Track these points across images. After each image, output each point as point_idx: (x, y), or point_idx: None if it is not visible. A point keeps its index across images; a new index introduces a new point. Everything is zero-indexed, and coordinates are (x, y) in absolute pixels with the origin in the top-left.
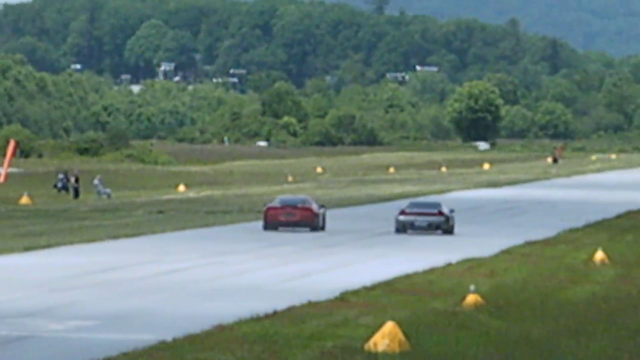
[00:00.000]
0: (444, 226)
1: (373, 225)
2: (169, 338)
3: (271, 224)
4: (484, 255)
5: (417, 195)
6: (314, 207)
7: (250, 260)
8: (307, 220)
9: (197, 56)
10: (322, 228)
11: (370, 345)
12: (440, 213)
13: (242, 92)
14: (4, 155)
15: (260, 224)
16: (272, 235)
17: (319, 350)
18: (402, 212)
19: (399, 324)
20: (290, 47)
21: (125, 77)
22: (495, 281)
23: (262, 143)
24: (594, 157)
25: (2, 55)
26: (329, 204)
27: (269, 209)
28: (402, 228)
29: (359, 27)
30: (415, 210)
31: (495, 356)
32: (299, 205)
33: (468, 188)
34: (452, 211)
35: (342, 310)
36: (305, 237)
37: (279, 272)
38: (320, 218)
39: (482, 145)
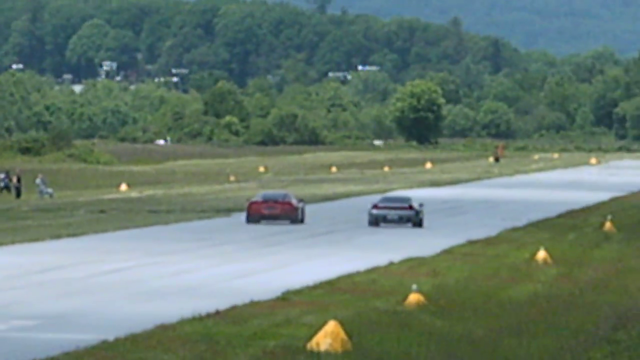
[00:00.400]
0: (414, 219)
1: (315, 225)
2: (111, 338)
3: (254, 217)
4: (426, 255)
5: (359, 194)
6: (294, 201)
7: (192, 260)
8: (288, 213)
9: (139, 55)
10: (302, 221)
11: (312, 344)
12: (411, 207)
13: (184, 91)
14: None
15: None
16: (215, 234)
17: (262, 349)
18: (375, 206)
19: (342, 323)
20: (233, 46)
21: (67, 76)
22: (438, 280)
23: (161, 142)
24: (536, 157)
25: None
26: None
27: (252, 203)
28: (374, 221)
29: (301, 27)
30: (387, 204)
31: (437, 355)
32: (280, 200)
33: (410, 187)
34: (421, 205)
35: (284, 309)
36: (247, 236)
37: (222, 272)
38: (300, 212)
39: (377, 142)
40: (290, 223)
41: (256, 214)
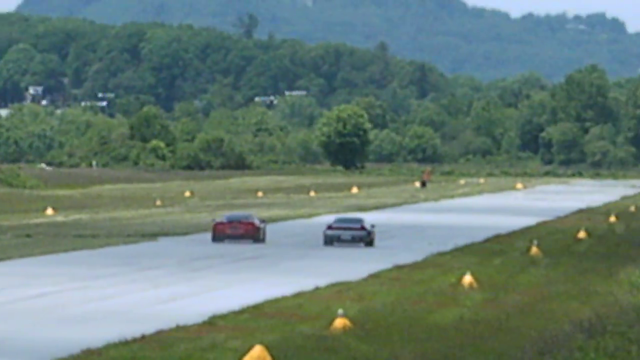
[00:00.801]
0: (366, 239)
1: (241, 249)
2: None
3: (218, 237)
4: (352, 279)
5: (286, 219)
6: (256, 222)
7: (118, 285)
8: (250, 233)
9: (65, 80)
10: (263, 240)
11: None
12: (363, 228)
13: (111, 115)
14: None
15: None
16: (141, 259)
17: None
18: (329, 227)
19: (268, 347)
20: (159, 70)
21: None
22: (364, 305)
23: (45, 166)
24: (462, 181)
25: None
26: (198, 228)
27: (217, 224)
28: (329, 241)
29: (228, 51)
30: (341, 225)
31: None
32: (243, 221)
33: (336, 212)
34: (372, 226)
35: (210, 334)
36: (173, 261)
37: (147, 296)
38: (262, 231)
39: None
40: (253, 242)
41: (221, 234)
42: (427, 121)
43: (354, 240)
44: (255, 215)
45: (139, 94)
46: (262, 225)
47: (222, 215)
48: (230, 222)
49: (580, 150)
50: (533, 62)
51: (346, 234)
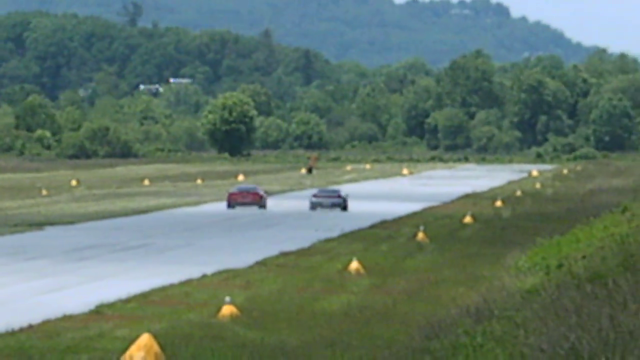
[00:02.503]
0: (342, 205)
1: (128, 238)
2: None
3: (232, 204)
4: (239, 267)
5: (172, 207)
6: (260, 192)
7: (4, 275)
8: (256, 200)
9: None
10: (265, 207)
11: (126, 357)
12: (339, 196)
13: None
14: None
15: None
16: (27, 249)
17: None
18: (315, 196)
19: (155, 336)
20: (44, 60)
21: None
22: (251, 292)
23: None
24: (348, 168)
25: None
26: (84, 217)
27: (231, 194)
28: (314, 207)
29: (112, 40)
30: (323, 194)
31: None
32: (251, 191)
33: (223, 200)
34: (346, 195)
35: (97, 323)
36: (59, 250)
37: (34, 286)
38: (264, 200)
39: None
40: (258, 208)
41: (234, 202)
42: (313, 108)
43: (333, 206)
44: (259, 187)
45: (24, 83)
46: (265, 195)
47: (234, 187)
48: (241, 192)
49: (466, 135)
50: (418, 47)
51: (327, 201)
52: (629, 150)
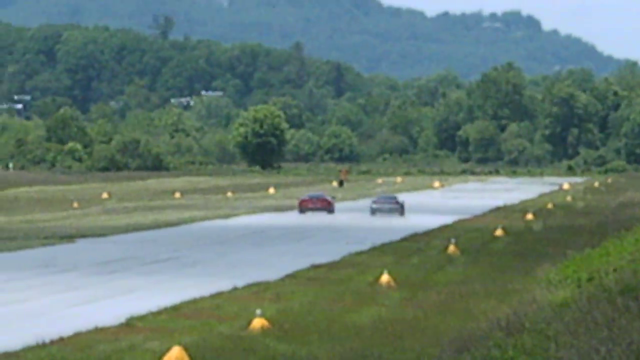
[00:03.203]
0: (399, 210)
1: (159, 251)
2: None
3: (303, 210)
4: (270, 280)
5: (203, 220)
6: (329, 198)
7: (35, 287)
8: (325, 206)
9: None
10: (333, 212)
11: None
12: (397, 202)
13: (27, 118)
14: None
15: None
16: (58, 261)
17: None
18: (374, 202)
19: (186, 348)
20: (75, 72)
21: None
22: (282, 305)
23: None
24: (379, 180)
25: None
26: (115, 230)
27: (302, 200)
28: (373, 212)
29: (144, 52)
30: (382, 201)
31: None
32: (320, 198)
33: (253, 212)
34: (403, 201)
35: (128, 335)
36: (91, 262)
37: (64, 298)
38: (332, 205)
39: None
40: (327, 213)
41: (305, 207)
42: (344, 120)
43: (391, 211)
44: (327, 193)
45: (55, 95)
46: (333, 201)
47: (305, 195)
48: (311, 199)
49: (497, 148)
50: (449, 60)
51: (385, 207)
52: None
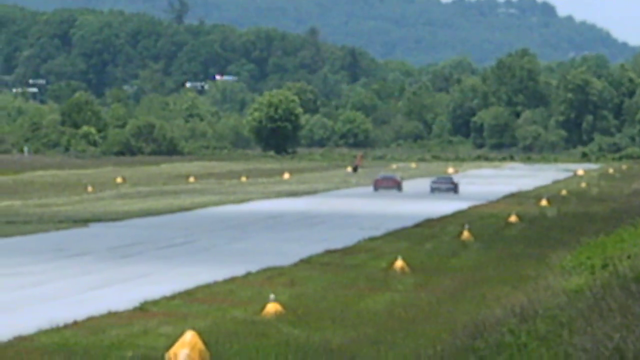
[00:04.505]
0: (455, 190)
1: (172, 235)
2: None
3: (377, 188)
4: (283, 265)
5: (217, 204)
6: (398, 178)
7: (50, 271)
8: (396, 185)
9: None
10: (401, 190)
11: (170, 354)
12: (452, 182)
13: (42, 102)
14: None
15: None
16: (72, 245)
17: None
18: (434, 182)
19: (200, 333)
20: (90, 56)
21: None
22: (295, 290)
23: None
24: (394, 166)
25: None
26: (129, 214)
27: (376, 180)
28: (432, 190)
29: (158, 37)
30: (440, 180)
31: None
32: (392, 178)
33: (268, 197)
34: (457, 182)
35: (142, 320)
36: (105, 246)
37: (79, 282)
38: (401, 184)
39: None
40: (397, 191)
41: (379, 186)
42: (359, 106)
43: (447, 190)
44: (398, 174)
45: (70, 80)
46: (400, 181)
47: (378, 175)
48: (384, 179)
49: (512, 134)
50: (464, 46)
51: (443, 186)
52: None
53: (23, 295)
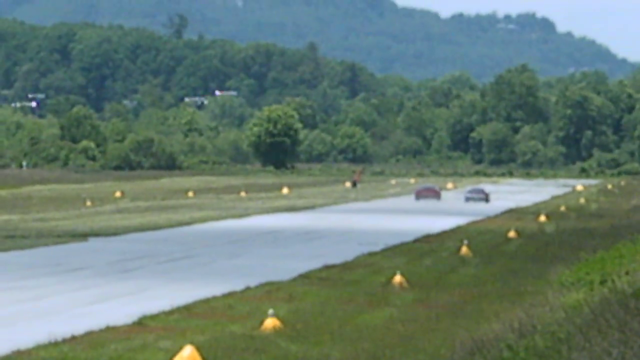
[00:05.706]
0: (487, 199)
1: (171, 250)
2: None
3: (418, 198)
4: (282, 280)
5: (216, 219)
6: (438, 189)
7: (48, 285)
8: (436, 195)
9: None
10: (440, 199)
11: None
12: (484, 193)
13: (41, 116)
14: None
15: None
16: (71, 260)
17: None
18: (468, 192)
19: (198, 348)
20: (89, 71)
21: None
22: (294, 305)
23: None
24: (393, 181)
25: None
26: (128, 229)
27: (418, 190)
28: (467, 200)
29: (158, 52)
30: (474, 191)
31: None
32: (431, 188)
33: (267, 212)
34: (489, 192)
35: (140, 334)
36: (103, 261)
37: (76, 297)
38: (441, 194)
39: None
40: (437, 200)
41: (420, 196)
42: (358, 121)
43: (480, 200)
44: (437, 185)
45: (69, 94)
46: (440, 191)
47: (420, 186)
48: (426, 189)
49: (511, 149)
50: (463, 61)
51: (477, 196)
52: None
53: (21, 310)
